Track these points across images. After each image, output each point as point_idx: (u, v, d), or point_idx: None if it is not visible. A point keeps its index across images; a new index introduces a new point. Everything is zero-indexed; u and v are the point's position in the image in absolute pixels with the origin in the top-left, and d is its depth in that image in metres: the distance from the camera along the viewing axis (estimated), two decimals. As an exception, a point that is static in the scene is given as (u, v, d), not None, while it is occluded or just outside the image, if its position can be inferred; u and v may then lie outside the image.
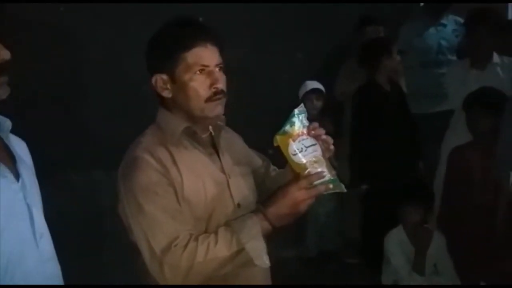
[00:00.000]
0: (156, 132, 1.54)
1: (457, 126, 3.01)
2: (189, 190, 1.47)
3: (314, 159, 1.41)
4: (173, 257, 1.39)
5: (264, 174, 1.74)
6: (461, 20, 3.64)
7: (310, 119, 1.47)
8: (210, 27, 1.54)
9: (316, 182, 1.40)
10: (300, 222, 3.66)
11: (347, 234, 3.93)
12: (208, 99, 1.48)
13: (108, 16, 3.43)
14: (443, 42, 3.87)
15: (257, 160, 1.74)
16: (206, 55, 1.49)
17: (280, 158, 1.50)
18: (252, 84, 3.75)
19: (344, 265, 3.75)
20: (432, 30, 3.88)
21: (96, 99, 3.47)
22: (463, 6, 3.64)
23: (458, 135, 2.92)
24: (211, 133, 1.60)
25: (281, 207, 1.42)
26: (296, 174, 1.42)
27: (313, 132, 1.43)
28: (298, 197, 1.40)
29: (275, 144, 1.44)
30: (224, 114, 1.57)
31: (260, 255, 1.42)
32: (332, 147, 1.48)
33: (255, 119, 3.57)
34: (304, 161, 1.41)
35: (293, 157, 1.41)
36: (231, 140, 1.67)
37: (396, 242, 2.77)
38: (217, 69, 1.51)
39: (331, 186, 1.42)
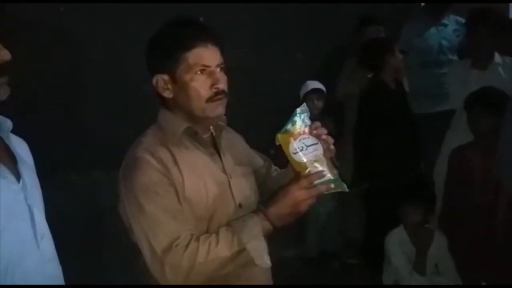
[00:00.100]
0: (157, 132, 1.54)
1: (458, 126, 3.00)
2: (190, 190, 1.47)
3: (314, 158, 1.41)
4: (174, 257, 1.39)
5: (265, 174, 1.74)
6: (462, 20, 3.64)
7: (311, 119, 1.47)
8: (211, 27, 1.54)
9: (316, 182, 1.40)
10: (301, 222, 3.66)
11: (348, 234, 3.93)
12: (209, 100, 1.48)
13: (108, 16, 3.43)
14: (444, 42, 3.87)
15: (259, 160, 1.74)
16: (207, 55, 1.48)
17: (281, 159, 1.50)
18: (252, 84, 3.74)
19: (345, 265, 3.75)
20: (433, 30, 3.88)
21: (96, 99, 3.47)
22: (464, 6, 3.64)
23: (459, 135, 2.92)
24: (212, 133, 1.60)
25: (282, 207, 1.42)
26: (297, 174, 1.42)
27: (315, 131, 1.43)
28: (298, 196, 1.40)
29: (276, 143, 1.43)
30: (224, 114, 1.56)
31: (261, 255, 1.41)
32: (332, 147, 1.47)
33: (256, 119, 3.57)
34: (304, 160, 1.41)
35: (294, 156, 1.41)
36: (232, 140, 1.67)
37: (397, 242, 2.77)
38: (218, 69, 1.51)
39: (332, 185, 1.42)
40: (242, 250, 1.40)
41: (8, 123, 1.28)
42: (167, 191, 1.44)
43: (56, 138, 3.25)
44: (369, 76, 3.53)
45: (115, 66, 3.43)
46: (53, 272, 1.29)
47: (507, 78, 3.14)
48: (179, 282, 1.40)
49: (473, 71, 3.20)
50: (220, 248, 1.40)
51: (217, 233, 1.43)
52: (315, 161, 1.41)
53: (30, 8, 3.18)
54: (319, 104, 3.77)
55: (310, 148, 1.42)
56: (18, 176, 1.23)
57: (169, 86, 1.51)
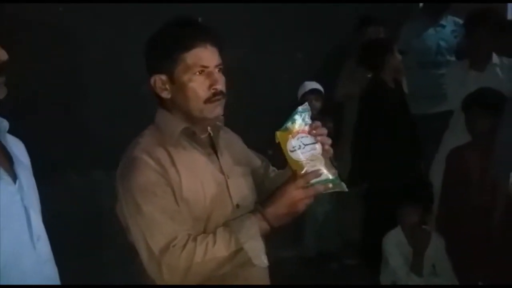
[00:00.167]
0: (155, 133, 1.54)
1: (456, 127, 3.00)
2: (187, 191, 1.47)
3: (312, 157, 1.41)
4: (172, 257, 1.39)
5: (263, 174, 1.73)
6: (460, 21, 3.65)
7: (312, 118, 1.47)
8: (210, 27, 1.54)
9: (313, 181, 1.40)
10: (299, 222, 3.66)
11: (346, 234, 3.93)
12: (207, 100, 1.48)
13: (108, 16, 3.43)
14: (442, 43, 3.87)
15: (256, 160, 1.74)
16: (206, 56, 1.48)
17: (279, 159, 1.50)
18: (252, 84, 3.75)
19: (343, 265, 3.75)
20: (431, 31, 3.87)
21: (96, 99, 3.48)
22: (462, 6, 3.65)
23: (457, 136, 2.92)
24: (209, 133, 1.60)
25: (279, 207, 1.42)
26: (294, 173, 1.42)
27: (314, 131, 1.43)
28: (295, 196, 1.40)
29: (276, 141, 1.43)
30: (223, 115, 1.56)
31: (258, 255, 1.41)
32: (327, 147, 1.45)
33: (255, 119, 3.57)
34: (301, 158, 1.41)
35: (291, 154, 1.41)
36: (230, 140, 1.67)
37: (395, 243, 2.77)
38: (216, 70, 1.50)
39: (330, 185, 1.42)
40: (239, 250, 1.40)
41: (4, 123, 1.27)
42: (165, 191, 1.44)
43: (55, 138, 3.25)
44: (369, 76, 3.54)
45: (115, 66, 3.43)
46: (49, 273, 1.29)
47: (505, 79, 3.15)
48: (177, 282, 1.40)
49: (471, 72, 3.20)
50: (217, 248, 1.40)
51: (214, 233, 1.43)
52: (312, 160, 1.41)
53: (30, 8, 3.19)
54: (317, 104, 3.77)
55: (308, 147, 1.42)
56: (14, 177, 1.23)
57: (167, 86, 1.50)
